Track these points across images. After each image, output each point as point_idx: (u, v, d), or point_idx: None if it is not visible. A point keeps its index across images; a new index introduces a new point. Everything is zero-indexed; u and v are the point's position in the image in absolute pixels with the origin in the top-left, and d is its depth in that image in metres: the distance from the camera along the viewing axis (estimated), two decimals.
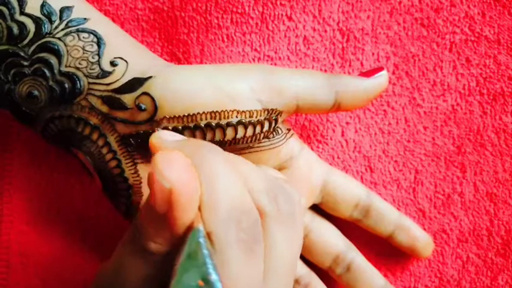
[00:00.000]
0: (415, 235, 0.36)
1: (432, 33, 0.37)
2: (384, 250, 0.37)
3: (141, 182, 0.31)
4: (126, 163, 0.31)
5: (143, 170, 0.31)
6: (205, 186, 0.24)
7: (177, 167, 0.23)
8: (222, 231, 0.24)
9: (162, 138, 0.27)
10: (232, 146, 0.31)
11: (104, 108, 0.30)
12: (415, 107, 0.37)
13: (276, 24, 0.37)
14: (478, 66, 0.37)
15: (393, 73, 0.37)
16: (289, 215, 0.27)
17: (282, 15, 0.37)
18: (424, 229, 0.37)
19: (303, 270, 0.36)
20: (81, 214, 0.37)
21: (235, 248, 0.24)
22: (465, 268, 0.37)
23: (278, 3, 0.37)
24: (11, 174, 0.37)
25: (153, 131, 0.29)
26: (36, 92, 0.30)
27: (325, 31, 0.37)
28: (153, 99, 0.29)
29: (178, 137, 0.28)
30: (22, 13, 0.30)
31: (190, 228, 0.24)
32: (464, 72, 0.37)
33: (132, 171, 0.31)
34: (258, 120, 0.30)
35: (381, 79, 0.33)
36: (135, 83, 0.30)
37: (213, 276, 0.22)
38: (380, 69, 0.33)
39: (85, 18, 0.31)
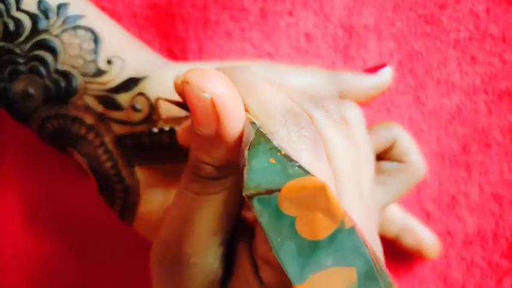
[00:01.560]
0: (421, 237, 0.36)
1: (436, 30, 0.37)
2: (387, 252, 0.37)
3: (137, 184, 0.31)
4: (122, 164, 0.31)
5: (139, 171, 0.31)
6: (249, 97, 0.23)
7: (214, 79, 0.22)
8: (283, 131, 0.23)
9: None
10: None
11: (100, 108, 0.30)
12: (419, 106, 0.37)
13: (276, 21, 0.37)
14: (483, 64, 0.37)
15: (397, 70, 0.37)
16: (343, 119, 0.27)
17: (282, 11, 0.37)
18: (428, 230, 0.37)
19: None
20: (77, 215, 0.37)
21: (301, 146, 0.23)
22: (470, 271, 0.37)
23: None
24: (5, 174, 0.37)
25: (149, 132, 0.29)
26: (31, 91, 0.30)
27: (327, 27, 0.37)
28: (148, 99, 0.29)
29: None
30: (18, 9, 0.29)
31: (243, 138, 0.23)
32: (469, 71, 0.37)
33: (129, 173, 0.31)
34: None
35: (385, 76, 0.32)
36: (131, 83, 0.30)
37: (283, 152, 0.20)
38: (384, 65, 0.32)
39: (82, 15, 0.30)
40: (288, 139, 0.23)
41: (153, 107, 0.29)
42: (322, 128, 0.25)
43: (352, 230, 0.18)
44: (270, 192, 0.19)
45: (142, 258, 0.36)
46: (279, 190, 0.19)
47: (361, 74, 0.32)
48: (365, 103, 0.33)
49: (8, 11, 0.29)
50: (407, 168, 0.32)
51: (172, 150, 0.30)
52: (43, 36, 0.29)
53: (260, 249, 0.23)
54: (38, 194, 0.37)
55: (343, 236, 0.18)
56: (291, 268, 0.19)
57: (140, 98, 0.29)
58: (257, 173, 0.20)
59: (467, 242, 0.37)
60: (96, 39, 0.30)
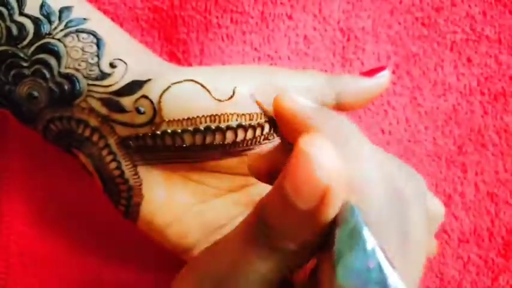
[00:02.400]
0: None
1: (433, 33, 0.37)
2: None
3: (141, 184, 0.31)
4: (126, 165, 0.31)
5: (143, 171, 0.31)
6: (354, 168, 0.21)
7: (330, 156, 0.20)
8: (380, 214, 0.21)
9: (295, 101, 0.24)
10: (233, 149, 0.31)
11: (104, 110, 0.30)
12: (416, 107, 0.37)
13: (276, 24, 0.37)
14: (479, 65, 0.37)
15: (394, 72, 0.37)
16: (421, 195, 0.24)
17: (282, 14, 0.37)
18: None
19: None
20: (80, 214, 0.37)
21: (393, 235, 0.21)
22: (466, 268, 0.37)
23: (278, 2, 0.37)
24: (9, 174, 0.37)
25: (153, 134, 0.29)
26: (36, 93, 0.30)
27: (326, 30, 0.37)
28: (152, 102, 0.29)
29: (304, 101, 0.25)
30: (21, 13, 0.30)
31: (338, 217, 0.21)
32: (465, 72, 0.37)
33: (133, 173, 0.31)
34: (259, 123, 0.30)
35: (383, 79, 0.32)
36: (134, 86, 0.30)
37: (383, 254, 0.19)
38: (382, 68, 0.32)
39: (85, 19, 0.30)
40: (385, 227, 0.21)
41: (156, 110, 0.29)
42: (408, 209, 0.23)
43: None
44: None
45: (144, 257, 0.37)
46: None
47: (359, 77, 0.32)
48: (363, 105, 0.33)
49: (11, 15, 0.29)
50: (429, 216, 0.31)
51: (176, 151, 0.30)
52: (46, 40, 0.30)
53: None
54: (42, 193, 0.37)
55: None
56: None
57: (144, 101, 0.29)
58: (352, 273, 0.18)
59: (464, 240, 0.37)
60: (98, 43, 0.30)
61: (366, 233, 0.19)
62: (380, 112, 0.37)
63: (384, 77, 0.32)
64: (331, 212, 0.21)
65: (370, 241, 0.19)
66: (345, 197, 0.21)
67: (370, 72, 0.32)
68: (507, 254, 0.37)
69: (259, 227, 0.23)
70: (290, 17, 0.37)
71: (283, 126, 0.25)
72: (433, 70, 0.37)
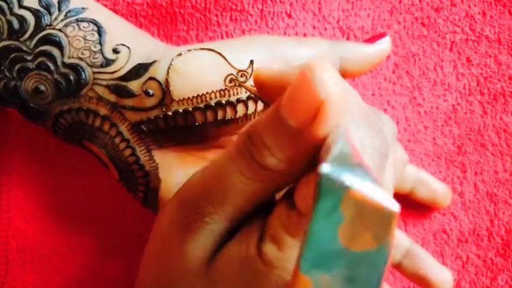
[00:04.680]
0: (435, 188, 0.36)
1: (432, 33, 0.37)
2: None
3: (157, 168, 0.31)
4: (141, 150, 0.31)
5: (158, 155, 0.31)
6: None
7: (337, 79, 0.21)
8: (358, 133, 0.21)
9: (271, 68, 0.25)
10: (245, 122, 0.30)
11: (112, 97, 0.30)
12: (416, 107, 0.37)
13: (275, 22, 0.37)
14: (478, 65, 0.37)
15: (393, 72, 0.37)
16: (393, 134, 0.26)
17: (281, 12, 0.37)
18: (424, 229, 0.37)
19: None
20: (80, 211, 0.37)
21: (369, 155, 0.22)
22: (465, 268, 0.37)
23: (278, 0, 0.37)
24: (9, 170, 0.37)
25: (164, 115, 0.29)
26: (42, 87, 0.30)
27: (325, 29, 0.37)
28: (160, 83, 0.29)
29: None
30: (21, 6, 0.30)
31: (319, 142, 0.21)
32: (465, 72, 0.37)
33: (148, 158, 0.31)
34: None
35: (384, 45, 0.33)
36: (140, 69, 0.30)
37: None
38: (383, 35, 0.33)
39: (83, 8, 0.30)
40: (359, 143, 0.21)
41: (165, 90, 0.29)
42: (390, 145, 0.24)
43: (385, 259, 0.18)
44: (341, 184, 0.18)
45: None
46: (349, 188, 0.18)
47: (362, 43, 0.32)
48: (366, 71, 0.33)
49: (10, 9, 0.29)
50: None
51: (189, 131, 0.30)
52: (47, 31, 0.30)
53: (273, 226, 0.23)
54: (42, 190, 0.37)
55: (372, 259, 0.18)
56: (307, 256, 0.18)
57: (152, 83, 0.29)
58: (341, 158, 0.18)
59: (463, 240, 0.37)
60: (99, 30, 0.30)
61: (355, 152, 0.19)
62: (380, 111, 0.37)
63: (385, 43, 0.33)
64: (322, 129, 0.21)
65: (358, 156, 0.19)
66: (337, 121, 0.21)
67: (372, 39, 0.33)
68: (506, 253, 0.37)
69: (249, 145, 0.23)
70: (289, 15, 0.37)
71: (268, 97, 0.25)
72: (433, 70, 0.37)
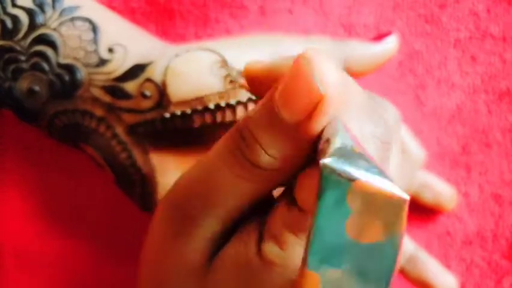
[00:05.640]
0: (440, 191, 0.36)
1: (436, 30, 0.37)
2: None
3: (154, 171, 0.30)
4: (137, 153, 0.30)
5: (155, 158, 0.30)
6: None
7: (334, 69, 0.20)
8: (357, 124, 0.20)
9: (259, 62, 0.24)
10: None
11: (107, 99, 0.29)
12: (419, 106, 0.37)
13: (275, 18, 0.36)
14: (483, 64, 0.37)
15: (397, 70, 0.37)
16: (397, 122, 0.25)
17: (282, 8, 0.36)
18: (428, 231, 0.37)
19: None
20: (77, 212, 0.37)
21: (370, 145, 0.21)
22: (469, 271, 0.37)
23: None
24: (4, 173, 0.36)
25: (162, 117, 0.29)
26: (37, 88, 0.29)
27: (327, 26, 0.37)
28: (157, 85, 0.29)
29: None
30: (14, 5, 0.29)
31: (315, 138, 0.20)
32: (469, 70, 0.37)
33: (144, 161, 0.30)
34: None
35: (390, 44, 0.32)
36: (137, 70, 0.29)
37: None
38: (388, 33, 0.32)
39: (78, 6, 0.30)
40: (360, 134, 0.20)
41: (162, 93, 0.29)
42: (393, 134, 0.23)
43: (395, 252, 0.18)
44: (346, 176, 0.17)
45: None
46: (356, 179, 0.17)
47: (367, 42, 0.32)
48: (371, 71, 0.32)
49: (4, 8, 0.29)
50: (406, 158, 0.32)
51: (186, 134, 0.30)
52: (41, 30, 0.29)
53: (274, 224, 0.22)
54: (38, 192, 0.37)
55: (382, 252, 0.18)
56: (314, 253, 0.18)
57: (148, 84, 0.29)
58: (343, 150, 0.18)
59: (467, 242, 0.37)
60: (94, 29, 0.30)
61: (356, 143, 0.19)
62: None
63: (391, 43, 0.32)
64: (321, 123, 0.20)
65: (360, 147, 0.19)
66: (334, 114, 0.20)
67: (377, 38, 0.32)
68: (511, 256, 0.37)
69: (239, 142, 0.22)
70: (290, 12, 0.36)
71: (261, 94, 0.24)
72: (437, 68, 0.37)
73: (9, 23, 0.29)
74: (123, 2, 0.36)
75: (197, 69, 0.29)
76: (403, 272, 0.35)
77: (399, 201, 0.17)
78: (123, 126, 0.30)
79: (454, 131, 0.37)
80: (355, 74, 0.32)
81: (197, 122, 0.29)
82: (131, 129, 0.30)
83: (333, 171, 0.17)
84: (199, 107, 0.29)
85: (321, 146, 0.20)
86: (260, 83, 0.24)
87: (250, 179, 0.22)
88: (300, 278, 0.18)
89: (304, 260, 0.18)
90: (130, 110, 0.29)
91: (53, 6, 0.29)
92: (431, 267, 0.35)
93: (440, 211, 0.37)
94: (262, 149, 0.21)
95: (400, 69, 0.37)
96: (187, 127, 0.29)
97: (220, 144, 0.23)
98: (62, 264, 0.36)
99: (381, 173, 0.17)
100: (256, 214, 0.24)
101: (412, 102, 0.37)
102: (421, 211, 0.37)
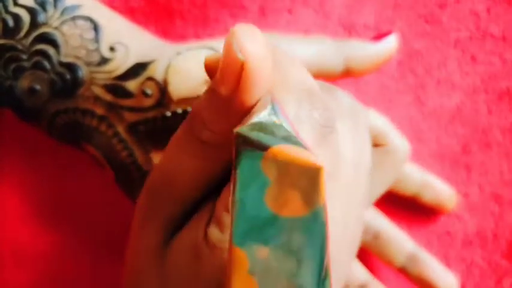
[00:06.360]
0: (441, 191, 0.36)
1: (436, 30, 0.37)
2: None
3: None
4: (138, 151, 0.30)
5: (156, 156, 0.30)
6: (277, 68, 0.22)
7: (257, 40, 0.21)
8: (293, 105, 0.21)
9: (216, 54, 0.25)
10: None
11: (109, 97, 0.29)
12: (419, 106, 0.37)
13: (275, 18, 0.36)
14: (483, 64, 0.37)
15: (396, 70, 0.37)
16: (351, 109, 0.26)
17: (282, 8, 0.36)
18: (428, 231, 0.37)
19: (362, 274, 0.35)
20: (75, 211, 0.36)
21: (305, 126, 0.22)
22: (469, 271, 0.37)
23: None
24: (2, 171, 0.36)
25: (163, 116, 0.29)
26: (38, 86, 0.29)
27: (327, 26, 0.37)
28: (158, 83, 0.29)
29: None
30: (16, 4, 0.29)
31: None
32: (469, 70, 0.37)
33: (145, 159, 0.30)
34: None
35: (390, 44, 0.32)
36: (138, 69, 0.29)
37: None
38: (388, 32, 0.32)
39: (79, 5, 0.30)
40: (295, 115, 0.21)
41: (163, 91, 0.29)
42: (337, 119, 0.24)
43: (322, 227, 0.17)
44: (258, 143, 0.17)
45: None
46: (269, 146, 0.17)
47: (367, 42, 0.32)
48: (372, 70, 0.32)
49: (5, 7, 0.29)
50: (389, 150, 0.32)
51: None
52: (43, 29, 0.29)
53: (218, 207, 0.23)
54: (37, 191, 0.37)
55: (307, 227, 0.17)
56: (237, 228, 0.17)
57: (149, 83, 0.29)
58: (258, 125, 0.18)
59: (467, 242, 0.37)
60: (96, 28, 0.30)
61: (284, 119, 0.19)
62: (382, 110, 0.37)
63: (391, 42, 0.32)
64: (249, 94, 0.21)
65: (287, 123, 0.19)
66: (267, 90, 0.21)
67: (377, 37, 0.32)
68: (511, 256, 0.37)
69: (190, 122, 0.23)
70: (290, 12, 0.36)
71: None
72: (437, 68, 0.37)
73: (10, 22, 0.29)
74: (123, 2, 0.36)
75: (198, 67, 0.29)
76: (403, 271, 0.35)
77: (314, 169, 0.17)
78: (124, 124, 0.30)
79: (454, 131, 0.37)
80: (356, 73, 0.32)
81: None
82: (132, 128, 0.30)
83: (246, 139, 0.17)
84: None
85: (245, 118, 0.20)
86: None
87: (199, 156, 0.23)
88: (228, 255, 0.17)
89: (230, 237, 0.17)
90: (131, 109, 0.29)
91: (55, 5, 0.29)
92: (432, 266, 0.35)
93: (440, 211, 0.37)
94: (205, 124, 0.22)
95: (400, 69, 0.37)
96: None
97: (178, 128, 0.24)
98: (60, 263, 0.36)
99: (299, 142, 0.17)
100: (212, 198, 0.24)
101: (412, 102, 0.37)
102: (421, 211, 0.37)
